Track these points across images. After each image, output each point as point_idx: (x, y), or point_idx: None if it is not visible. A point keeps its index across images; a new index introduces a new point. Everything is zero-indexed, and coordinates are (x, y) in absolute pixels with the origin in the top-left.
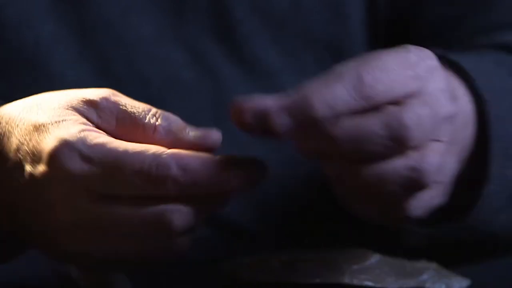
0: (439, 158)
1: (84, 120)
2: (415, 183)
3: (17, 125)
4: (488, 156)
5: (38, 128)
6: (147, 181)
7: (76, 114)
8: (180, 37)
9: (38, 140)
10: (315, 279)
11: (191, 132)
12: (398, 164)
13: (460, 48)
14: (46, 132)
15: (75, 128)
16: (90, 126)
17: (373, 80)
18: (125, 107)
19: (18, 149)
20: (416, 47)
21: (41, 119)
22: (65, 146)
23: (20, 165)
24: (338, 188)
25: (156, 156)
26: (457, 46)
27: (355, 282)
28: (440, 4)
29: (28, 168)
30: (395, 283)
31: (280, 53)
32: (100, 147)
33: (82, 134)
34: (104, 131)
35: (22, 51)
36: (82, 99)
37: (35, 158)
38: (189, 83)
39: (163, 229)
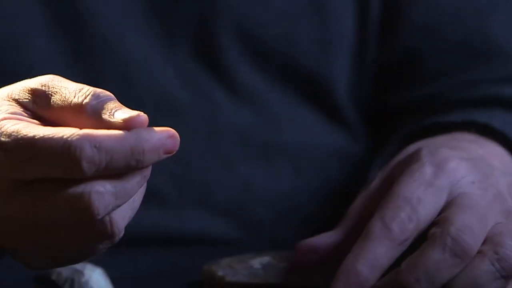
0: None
1: (16, 110)
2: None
3: None
4: None
5: None
6: (61, 164)
7: (13, 104)
8: (170, 60)
9: None
10: (295, 281)
11: (117, 113)
12: None
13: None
14: None
15: None
16: (18, 115)
17: (399, 224)
18: (59, 89)
19: None
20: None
21: None
22: None
23: None
24: None
25: (67, 138)
26: (448, 96)
27: None
28: (437, 52)
29: None
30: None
31: (263, 79)
32: (15, 133)
33: (2, 121)
34: (40, 117)
35: (14, 71)
36: (23, 89)
37: None
38: (180, 102)
39: (84, 212)
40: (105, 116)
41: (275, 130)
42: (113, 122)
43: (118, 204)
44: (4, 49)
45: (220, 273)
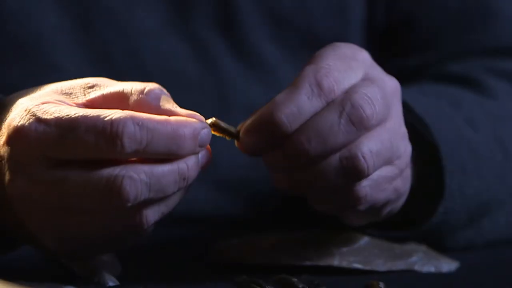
0: (375, 143)
1: (63, 99)
2: (351, 170)
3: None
4: (444, 174)
5: (16, 107)
6: (102, 138)
7: (62, 96)
8: (183, 30)
9: (8, 115)
10: (304, 261)
11: (179, 109)
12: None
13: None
14: (17, 107)
15: (40, 100)
16: (63, 102)
17: (329, 82)
18: (115, 83)
19: None
20: (346, 43)
21: (23, 100)
22: (23, 112)
23: None
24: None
25: (109, 115)
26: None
27: (344, 264)
28: (433, 19)
29: None
30: (384, 266)
31: (279, 48)
32: (58, 112)
33: (44, 105)
34: (90, 105)
35: (24, 42)
36: (75, 85)
37: (2, 131)
38: (191, 76)
39: (115, 195)
40: (169, 105)
41: None
42: (177, 111)
43: (151, 197)
44: (14, 21)
45: (228, 254)
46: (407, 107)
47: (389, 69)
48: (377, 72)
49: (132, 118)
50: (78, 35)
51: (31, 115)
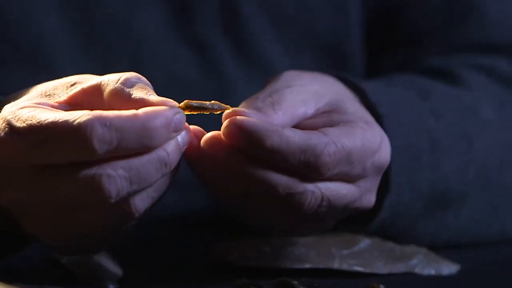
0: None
1: (43, 101)
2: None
3: None
4: (390, 167)
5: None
6: (73, 145)
7: (43, 98)
8: (187, 34)
9: None
10: (305, 264)
11: (152, 96)
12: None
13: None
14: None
15: (20, 105)
16: (42, 104)
17: (325, 167)
18: (94, 77)
19: None
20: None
21: (7, 106)
22: (1, 121)
23: None
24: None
25: (77, 119)
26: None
27: (345, 267)
28: (417, 14)
29: None
30: (385, 268)
31: (284, 50)
32: (30, 119)
33: (20, 110)
34: (72, 103)
35: (25, 45)
36: (57, 85)
37: None
38: (194, 79)
39: (96, 193)
40: (141, 93)
41: None
42: (149, 99)
43: (135, 189)
44: (14, 25)
45: (229, 256)
46: (363, 97)
47: (375, 64)
48: (373, 183)
49: (99, 120)
50: (79, 38)
51: (6, 125)
